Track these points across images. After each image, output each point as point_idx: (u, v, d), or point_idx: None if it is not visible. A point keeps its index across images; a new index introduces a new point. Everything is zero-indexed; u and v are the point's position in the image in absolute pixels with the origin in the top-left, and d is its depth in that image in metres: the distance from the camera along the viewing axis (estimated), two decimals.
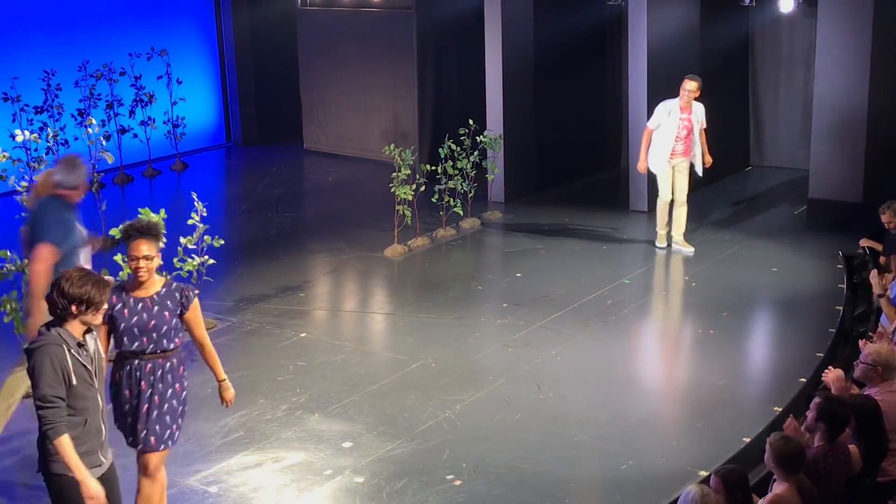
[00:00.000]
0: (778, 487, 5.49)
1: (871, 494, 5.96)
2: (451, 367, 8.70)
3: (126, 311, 5.81)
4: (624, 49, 13.81)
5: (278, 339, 9.35)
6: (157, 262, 5.93)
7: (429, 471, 7.07)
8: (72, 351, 5.11)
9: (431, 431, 7.62)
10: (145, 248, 5.83)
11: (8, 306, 8.07)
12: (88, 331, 5.27)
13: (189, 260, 9.29)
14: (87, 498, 5.14)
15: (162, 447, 5.96)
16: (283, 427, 7.74)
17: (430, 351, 9.01)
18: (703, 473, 6.81)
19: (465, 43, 14.32)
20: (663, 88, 12.28)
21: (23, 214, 10.79)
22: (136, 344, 5.83)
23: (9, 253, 8.64)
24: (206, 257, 9.41)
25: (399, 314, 9.99)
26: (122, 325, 5.81)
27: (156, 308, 5.86)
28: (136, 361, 5.84)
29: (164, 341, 5.87)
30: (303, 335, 9.45)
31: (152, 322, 5.84)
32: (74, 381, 5.10)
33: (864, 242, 10.41)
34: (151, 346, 5.84)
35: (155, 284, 5.93)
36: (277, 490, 6.89)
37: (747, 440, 7.32)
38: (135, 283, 5.88)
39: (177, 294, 5.95)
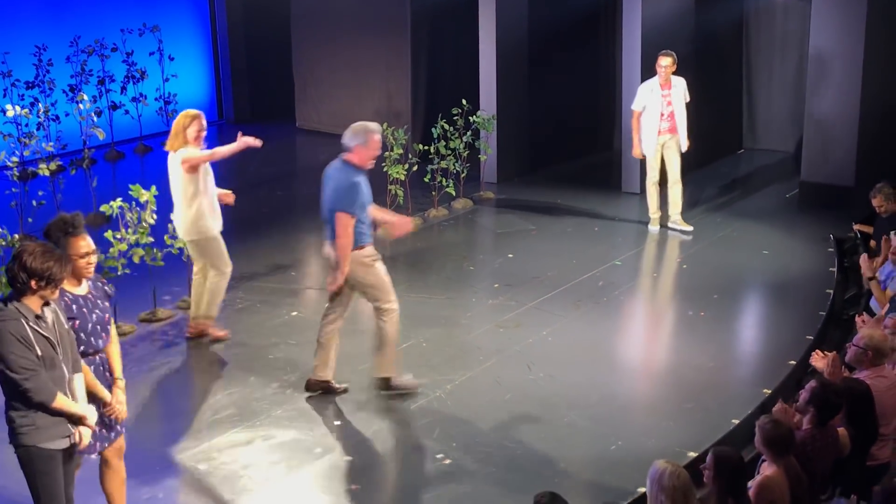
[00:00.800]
0: (767, 470, 5.51)
1: (859, 477, 5.98)
2: (442, 346, 8.71)
3: (85, 310, 5.66)
4: (618, 31, 13.80)
5: (269, 318, 9.35)
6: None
7: (419, 450, 7.08)
8: (30, 324, 5.10)
9: (422, 410, 7.63)
10: (87, 242, 5.67)
11: (1, 279, 8.04)
12: (46, 304, 5.23)
13: (180, 238, 9.26)
14: (85, 419, 5.32)
15: (123, 429, 5.96)
16: (274, 405, 7.75)
17: (422, 331, 9.01)
18: (692, 454, 6.84)
19: (460, 22, 14.28)
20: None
21: (13, 190, 10.74)
22: (101, 341, 5.72)
23: None
24: None
25: None
26: (89, 325, 5.65)
27: (100, 302, 5.76)
28: (100, 358, 5.75)
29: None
30: (294, 314, 9.45)
31: (107, 315, 5.77)
32: (39, 352, 5.10)
33: (856, 227, 10.43)
34: (108, 339, 5.80)
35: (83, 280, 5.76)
36: (267, 468, 6.90)
37: (736, 422, 7.34)
38: (74, 280, 5.63)
39: (100, 284, 5.86)
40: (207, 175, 8.59)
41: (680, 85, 11.26)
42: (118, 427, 5.85)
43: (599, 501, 4.95)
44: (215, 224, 8.64)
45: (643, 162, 11.69)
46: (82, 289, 5.71)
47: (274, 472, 6.86)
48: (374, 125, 7.71)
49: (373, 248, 7.79)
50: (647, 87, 11.27)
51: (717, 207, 12.39)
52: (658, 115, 11.21)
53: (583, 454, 7.15)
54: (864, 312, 8.27)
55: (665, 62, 11.10)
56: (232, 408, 7.69)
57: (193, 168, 8.41)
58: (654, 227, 11.55)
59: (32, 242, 5.26)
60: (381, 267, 7.81)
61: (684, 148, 11.38)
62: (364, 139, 7.57)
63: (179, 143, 8.46)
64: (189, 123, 8.47)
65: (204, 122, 8.56)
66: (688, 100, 11.33)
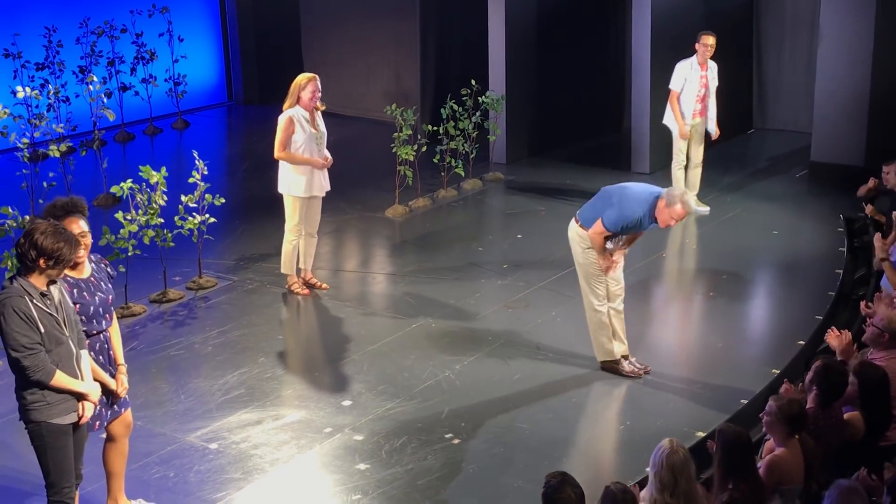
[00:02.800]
0: (778, 449, 5.51)
1: (870, 458, 5.97)
2: (451, 327, 8.73)
3: (86, 294, 5.72)
4: (628, 10, 13.75)
5: (279, 298, 9.38)
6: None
7: (427, 430, 7.11)
8: (34, 301, 5.15)
9: (430, 391, 7.66)
10: (81, 225, 5.72)
11: (9, 262, 8.09)
12: (52, 282, 5.28)
13: (190, 218, 9.30)
14: (87, 397, 5.37)
15: (129, 404, 6.06)
16: (283, 385, 7.79)
17: (430, 311, 9.04)
18: (701, 434, 6.86)
19: (469, 2, 14.23)
20: (667, 50, 12.24)
21: (24, 171, 10.78)
22: (104, 322, 5.81)
23: (10, 209, 8.64)
24: (207, 216, 9.42)
25: (399, 274, 10.01)
26: (91, 308, 5.73)
27: (102, 283, 5.83)
28: (103, 336, 5.82)
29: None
30: (304, 293, 9.47)
31: (110, 297, 5.85)
32: (42, 329, 5.16)
33: (868, 211, 10.35)
34: (111, 320, 5.89)
35: (85, 262, 5.81)
36: (277, 447, 6.94)
37: (745, 402, 7.36)
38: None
39: (102, 265, 5.94)
40: (311, 139, 9.05)
41: (714, 68, 11.15)
42: (123, 400, 5.93)
43: (608, 481, 4.96)
44: (301, 186, 9.08)
45: (656, 143, 11.60)
46: (86, 272, 5.77)
47: (284, 451, 6.90)
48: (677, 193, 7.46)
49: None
50: (687, 66, 11.10)
51: (726, 188, 12.37)
52: (694, 96, 11.11)
53: (591, 434, 7.18)
54: (875, 295, 8.24)
55: (710, 41, 10.91)
56: (242, 388, 7.73)
57: (286, 130, 8.92)
58: None
59: (45, 222, 5.30)
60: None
61: (713, 134, 11.28)
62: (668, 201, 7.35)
63: (290, 103, 9.00)
64: (305, 84, 8.98)
65: (319, 85, 9.05)
66: (716, 84, 11.23)
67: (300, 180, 9.05)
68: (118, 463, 6.08)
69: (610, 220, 7.46)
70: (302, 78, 9.09)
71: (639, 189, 7.53)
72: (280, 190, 9.21)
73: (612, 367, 7.83)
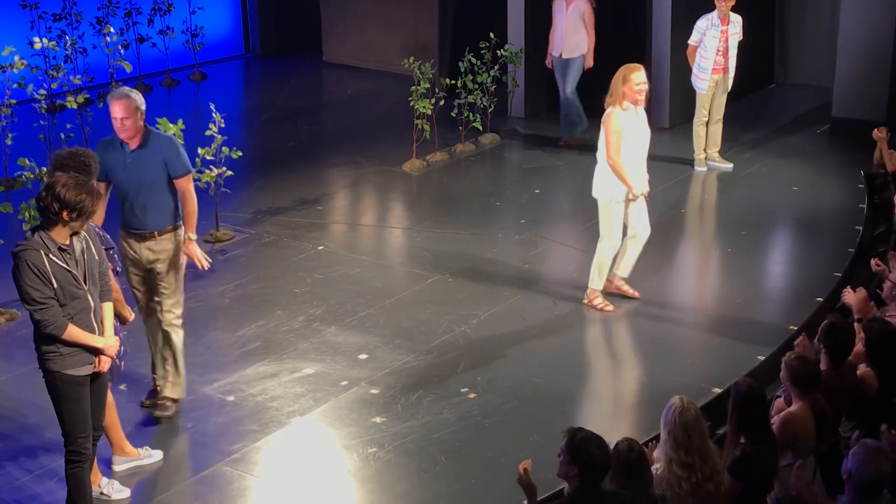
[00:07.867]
0: (794, 405, 5.50)
1: (884, 414, 5.95)
2: (468, 281, 8.72)
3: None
4: None
5: (296, 252, 9.38)
6: None
7: (443, 384, 7.13)
8: (50, 255, 5.16)
9: (447, 345, 7.67)
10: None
11: (27, 214, 8.10)
12: (75, 233, 5.29)
13: (207, 171, 9.29)
14: (104, 351, 5.40)
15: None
16: (300, 338, 7.81)
17: (447, 266, 9.02)
18: (717, 390, 6.85)
19: None
20: (688, 4, 12.09)
21: (41, 123, 10.79)
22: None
23: (28, 161, 8.64)
24: (224, 169, 9.41)
25: (416, 229, 9.99)
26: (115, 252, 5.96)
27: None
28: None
29: None
30: (320, 248, 9.48)
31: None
32: (55, 284, 5.17)
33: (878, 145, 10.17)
34: None
35: None
36: (293, 399, 6.98)
37: (762, 358, 7.34)
38: None
39: None
40: (631, 140, 7.91)
41: (737, 22, 11.01)
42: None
43: (623, 436, 4.96)
44: (615, 189, 8.02)
45: (679, 98, 11.49)
46: None
47: (300, 404, 6.93)
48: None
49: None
50: (707, 21, 10.97)
51: (746, 143, 12.27)
52: (715, 50, 10.97)
53: (607, 389, 7.19)
54: (889, 253, 8.19)
55: None
56: (259, 341, 7.76)
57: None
58: (701, 168, 11.34)
59: (65, 175, 5.31)
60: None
61: (729, 87, 11.21)
62: None
63: (614, 100, 7.97)
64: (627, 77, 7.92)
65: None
66: (741, 38, 11.10)
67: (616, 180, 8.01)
68: (110, 414, 6.12)
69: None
70: (624, 70, 8.12)
71: None
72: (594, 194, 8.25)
73: None
